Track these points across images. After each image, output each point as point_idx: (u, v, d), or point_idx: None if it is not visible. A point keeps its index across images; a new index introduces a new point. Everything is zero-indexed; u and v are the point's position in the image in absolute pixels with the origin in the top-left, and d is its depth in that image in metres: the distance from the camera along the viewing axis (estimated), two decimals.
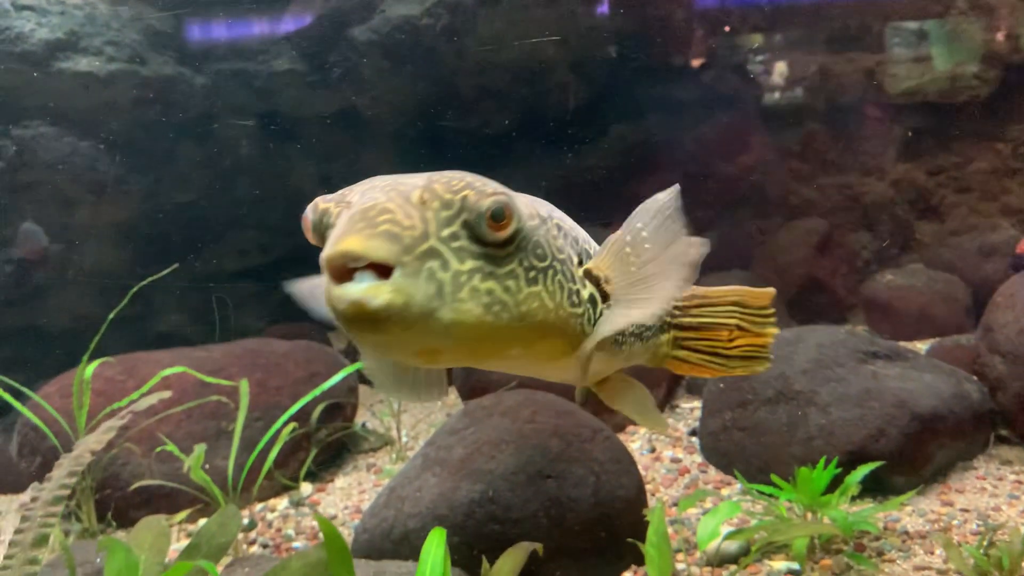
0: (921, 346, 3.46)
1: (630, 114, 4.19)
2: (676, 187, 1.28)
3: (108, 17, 3.93)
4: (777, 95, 4.18)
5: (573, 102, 4.20)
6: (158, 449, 2.46)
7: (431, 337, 0.99)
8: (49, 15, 3.78)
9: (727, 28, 4.07)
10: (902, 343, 3.60)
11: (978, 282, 3.62)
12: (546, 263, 1.12)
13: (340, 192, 1.08)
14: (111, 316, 2.50)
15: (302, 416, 2.63)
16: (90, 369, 2.48)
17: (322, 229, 1.05)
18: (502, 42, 4.03)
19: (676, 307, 1.60)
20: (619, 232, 1.25)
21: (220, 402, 2.66)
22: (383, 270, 0.94)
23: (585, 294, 1.20)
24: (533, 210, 1.14)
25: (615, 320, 1.23)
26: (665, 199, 1.26)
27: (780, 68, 4.23)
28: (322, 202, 1.06)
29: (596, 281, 1.24)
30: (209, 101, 4.19)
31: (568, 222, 1.28)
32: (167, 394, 2.14)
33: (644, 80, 4.12)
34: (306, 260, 4.62)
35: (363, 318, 0.93)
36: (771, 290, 1.60)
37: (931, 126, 3.96)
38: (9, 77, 3.67)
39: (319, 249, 1.03)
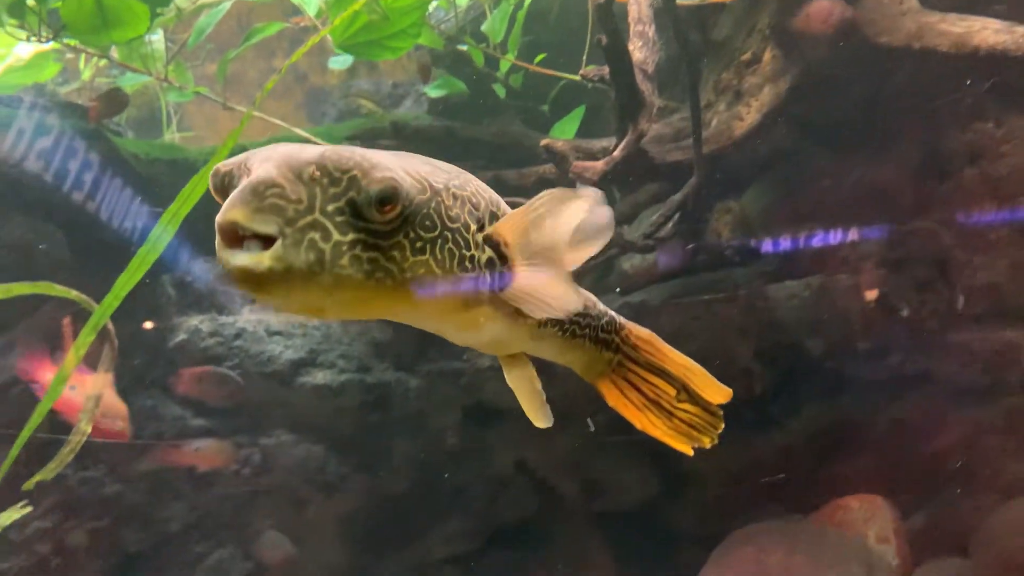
0: None
1: (821, 396, 4.28)
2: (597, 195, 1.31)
3: (340, 334, 4.55)
4: (967, 372, 4.18)
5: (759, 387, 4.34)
6: None
7: (314, 298, 1.07)
8: (294, 337, 4.42)
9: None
10: None
11: None
12: (434, 233, 1.15)
13: (243, 155, 1.16)
14: None
15: None
16: None
17: (224, 190, 1.13)
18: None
19: (631, 339, 1.59)
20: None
21: None
22: (269, 239, 1.04)
23: (483, 258, 1.23)
24: (425, 184, 1.18)
25: (518, 280, 1.26)
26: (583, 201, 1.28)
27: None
28: (224, 167, 1.14)
29: (495, 245, 1.26)
30: (421, 400, 4.65)
31: (472, 187, 1.30)
32: None
33: (833, 362, 4.25)
34: (506, 542, 4.77)
35: (248, 281, 1.04)
36: (729, 391, 1.56)
37: None
38: (260, 394, 4.26)
39: None
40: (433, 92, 4.53)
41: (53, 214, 3.88)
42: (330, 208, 1.06)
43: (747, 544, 3.61)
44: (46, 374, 2.85)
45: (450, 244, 1.18)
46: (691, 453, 1.61)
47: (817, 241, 4.33)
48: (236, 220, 1.03)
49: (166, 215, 2.26)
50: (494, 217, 1.31)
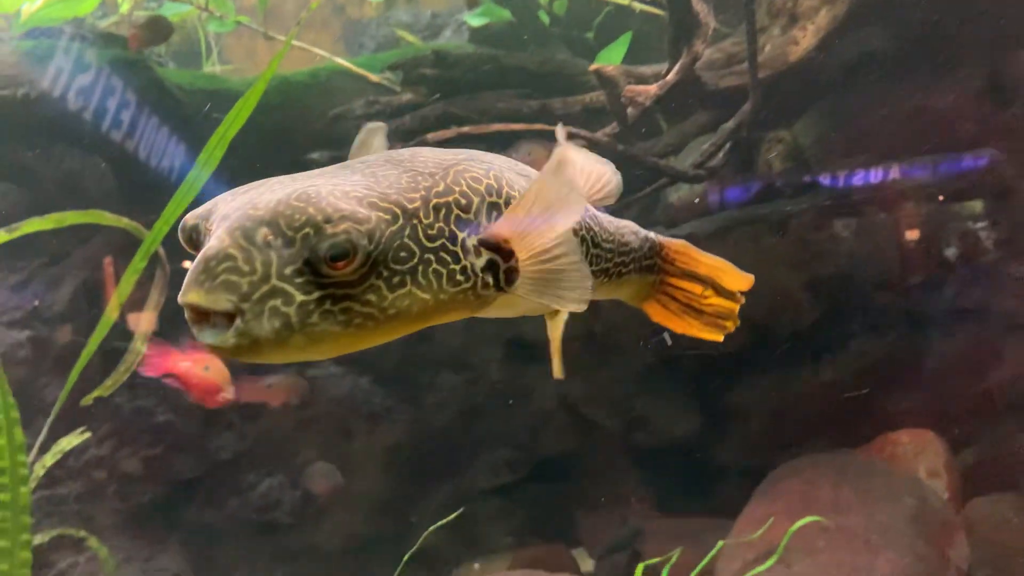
0: None
1: (871, 329, 4.20)
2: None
3: None
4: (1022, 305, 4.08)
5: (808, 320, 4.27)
6: None
7: (293, 355, 1.05)
8: None
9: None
10: None
11: None
12: (413, 262, 1.09)
13: (208, 206, 1.13)
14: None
15: None
16: None
17: (193, 244, 1.12)
18: None
19: (669, 255, 1.66)
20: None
21: None
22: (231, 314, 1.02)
23: (479, 263, 1.16)
24: (397, 210, 1.10)
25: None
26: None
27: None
28: (191, 219, 1.12)
29: (495, 246, 1.19)
30: (464, 334, 4.65)
31: (464, 182, 1.20)
32: None
33: (884, 295, 4.17)
34: (549, 474, 4.76)
35: (220, 354, 1.03)
36: (751, 277, 1.64)
37: None
38: None
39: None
40: (475, 20, 4.43)
41: (99, 146, 3.88)
42: (288, 271, 1.02)
43: (794, 477, 3.58)
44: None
45: (435, 265, 1.11)
46: (720, 339, 1.68)
47: (871, 172, 4.20)
48: (193, 303, 1.02)
49: (213, 138, 2.24)
50: (493, 207, 1.22)
